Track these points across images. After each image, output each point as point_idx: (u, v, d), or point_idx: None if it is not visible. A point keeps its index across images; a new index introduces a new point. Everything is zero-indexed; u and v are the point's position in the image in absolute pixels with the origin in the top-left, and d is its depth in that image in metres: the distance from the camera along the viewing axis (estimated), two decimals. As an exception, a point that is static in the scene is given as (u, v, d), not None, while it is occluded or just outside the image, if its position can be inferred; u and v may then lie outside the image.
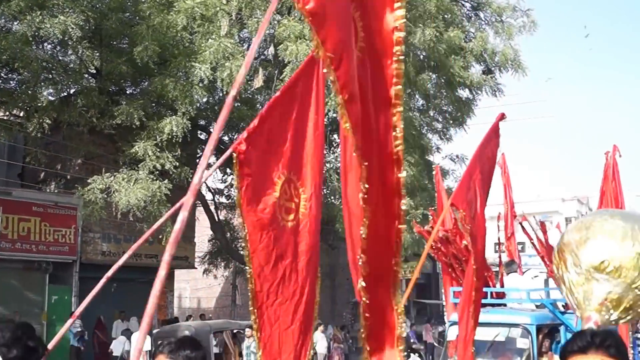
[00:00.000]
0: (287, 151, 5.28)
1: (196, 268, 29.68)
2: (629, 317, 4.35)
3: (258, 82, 20.31)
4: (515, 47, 23.31)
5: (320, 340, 24.66)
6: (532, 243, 12.39)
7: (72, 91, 21.21)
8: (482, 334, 9.78)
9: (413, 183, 21.36)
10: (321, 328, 23.73)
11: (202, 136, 24.94)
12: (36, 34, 17.91)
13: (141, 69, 20.09)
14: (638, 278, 4.13)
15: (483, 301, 10.87)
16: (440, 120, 24.51)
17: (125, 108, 18.74)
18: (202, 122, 23.76)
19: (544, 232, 11.67)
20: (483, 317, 9.95)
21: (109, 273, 4.87)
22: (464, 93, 23.70)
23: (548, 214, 63.11)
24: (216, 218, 26.49)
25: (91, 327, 23.03)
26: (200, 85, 18.99)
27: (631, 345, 11.73)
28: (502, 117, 6.90)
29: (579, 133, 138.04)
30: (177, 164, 19.09)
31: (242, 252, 28.47)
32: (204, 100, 20.78)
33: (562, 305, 10.78)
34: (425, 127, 24.92)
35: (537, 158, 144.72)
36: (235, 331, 19.04)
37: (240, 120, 20.75)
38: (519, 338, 10.10)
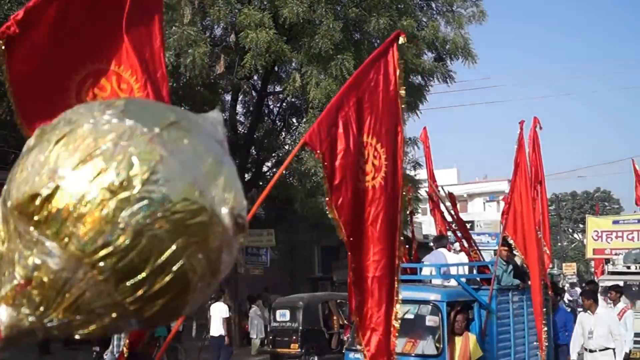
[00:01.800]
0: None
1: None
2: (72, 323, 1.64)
3: (220, 68, 20.71)
4: (465, 36, 23.80)
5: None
6: (442, 216, 12.09)
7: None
8: None
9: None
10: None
11: (167, 122, 24.92)
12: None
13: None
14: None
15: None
16: (394, 104, 24.87)
17: (92, 93, 18.75)
18: (167, 107, 23.64)
19: (453, 204, 11.30)
20: None
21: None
22: (416, 79, 24.05)
23: (495, 194, 64.09)
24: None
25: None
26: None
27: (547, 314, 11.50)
28: (398, 35, 6.33)
29: (528, 117, 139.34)
30: None
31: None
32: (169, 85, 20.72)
33: (480, 281, 10.57)
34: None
35: (487, 141, 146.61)
36: (338, 301, 20.83)
37: (204, 104, 20.94)
38: (428, 315, 9.56)
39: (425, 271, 10.96)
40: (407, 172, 24.87)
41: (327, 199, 5.34)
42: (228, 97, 24.85)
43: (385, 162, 5.82)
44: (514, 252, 11.38)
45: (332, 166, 5.37)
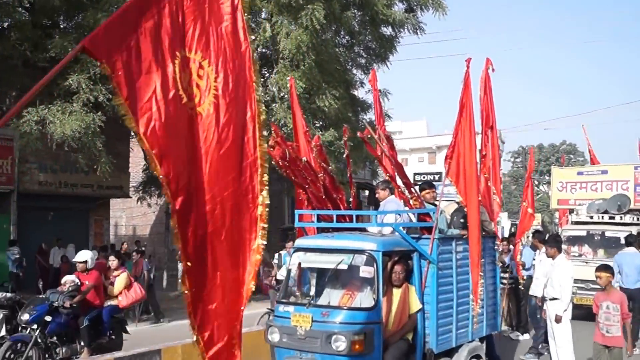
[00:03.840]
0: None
1: (131, 197, 29.48)
2: None
3: None
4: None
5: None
6: (379, 160, 11.18)
7: (5, 25, 20.47)
8: (326, 261, 9.15)
9: (337, 116, 21.50)
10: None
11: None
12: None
13: (74, 3, 19.49)
14: None
15: (333, 225, 10.02)
16: (365, 56, 24.56)
17: (59, 41, 18.08)
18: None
19: (391, 147, 10.18)
20: (327, 242, 9.30)
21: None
22: (387, 31, 23.78)
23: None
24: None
25: (30, 254, 22.80)
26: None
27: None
28: None
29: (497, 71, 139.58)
30: (111, 96, 18.48)
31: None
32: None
33: (421, 229, 9.78)
34: (350, 63, 24.97)
35: (457, 93, 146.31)
36: None
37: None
38: (363, 266, 8.88)
39: (388, 220, 10.00)
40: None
41: (132, 125, 4.08)
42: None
43: (217, 84, 4.69)
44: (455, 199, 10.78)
45: (131, 83, 4.08)
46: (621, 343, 9.70)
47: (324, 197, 10.11)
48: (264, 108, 4.86)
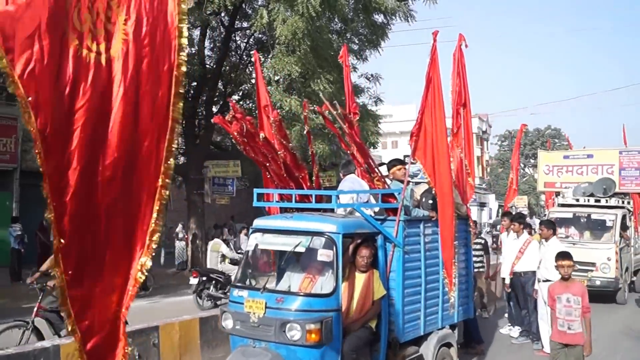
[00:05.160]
0: None
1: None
2: None
3: (189, 3, 19.69)
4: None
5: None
6: (339, 137, 10.22)
7: None
8: (283, 243, 8.52)
9: (332, 99, 21.44)
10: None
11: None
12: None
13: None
14: None
15: (293, 205, 9.32)
16: (357, 42, 24.54)
17: None
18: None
19: (350, 125, 9.25)
20: (285, 223, 8.55)
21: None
22: (379, 18, 23.78)
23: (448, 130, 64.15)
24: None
25: (32, 231, 22.94)
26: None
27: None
28: None
29: (484, 55, 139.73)
30: None
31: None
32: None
33: (386, 211, 9.12)
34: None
35: (446, 78, 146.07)
36: None
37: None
38: (321, 249, 8.05)
39: (344, 200, 9.27)
40: (369, 107, 24.71)
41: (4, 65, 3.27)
42: (197, 33, 24.38)
43: (126, 28, 3.83)
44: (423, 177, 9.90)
45: (8, 15, 3.26)
46: (582, 340, 8.26)
47: (285, 175, 9.48)
48: (185, 58, 4.08)
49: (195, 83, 24.86)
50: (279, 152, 9.28)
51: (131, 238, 3.97)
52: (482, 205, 67.19)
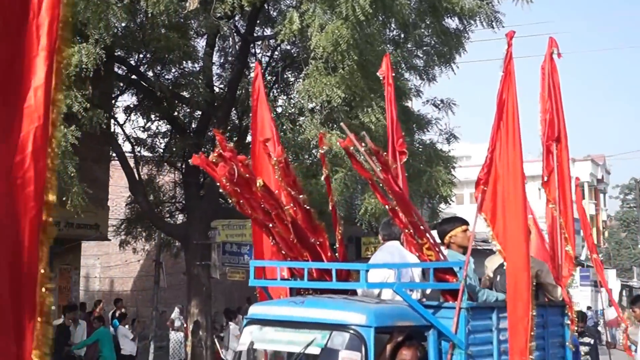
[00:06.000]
0: None
1: (109, 240, 29.57)
2: None
3: (192, 3, 19.59)
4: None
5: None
6: (371, 184, 9.08)
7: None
8: (290, 341, 8.06)
9: (386, 135, 21.08)
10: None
11: (120, 71, 24.58)
12: None
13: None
14: None
15: (305, 284, 8.95)
16: (422, 55, 24.45)
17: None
18: (120, 53, 23.26)
19: (385, 168, 8.24)
20: (293, 311, 8.17)
21: None
22: (452, 22, 23.62)
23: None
24: (136, 176, 25.78)
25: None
26: (119, 5, 18.32)
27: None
28: None
29: (596, 78, 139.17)
30: (88, 105, 18.45)
31: (169, 220, 28.22)
32: (123, 25, 20.16)
33: (443, 294, 8.71)
34: (402, 64, 24.77)
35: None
36: None
37: (170, 51, 20.69)
38: (344, 350, 7.55)
39: (376, 277, 8.71)
40: (439, 145, 24.53)
41: None
42: (202, 43, 24.30)
43: None
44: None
45: None
46: None
47: (294, 240, 8.94)
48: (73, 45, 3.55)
49: (199, 112, 24.87)
50: (285, 208, 8.77)
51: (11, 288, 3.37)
52: (597, 285, 66.10)
